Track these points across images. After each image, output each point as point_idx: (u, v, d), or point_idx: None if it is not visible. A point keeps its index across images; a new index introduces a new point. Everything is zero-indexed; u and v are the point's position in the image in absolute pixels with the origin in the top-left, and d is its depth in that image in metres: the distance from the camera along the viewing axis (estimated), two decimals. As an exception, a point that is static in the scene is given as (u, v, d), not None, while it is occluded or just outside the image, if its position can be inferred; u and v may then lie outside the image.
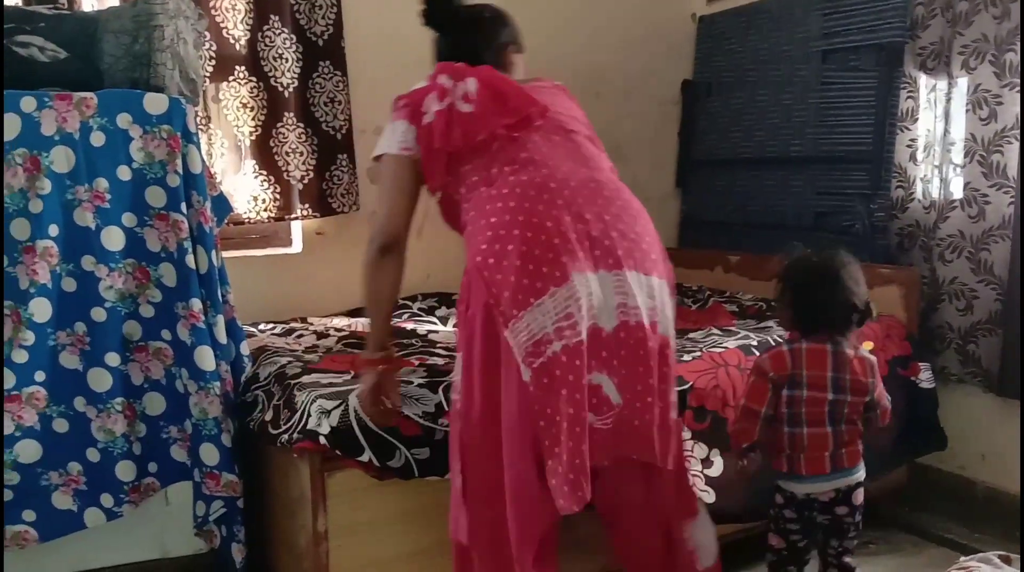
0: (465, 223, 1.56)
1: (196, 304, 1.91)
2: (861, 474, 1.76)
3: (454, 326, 2.65)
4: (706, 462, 1.98)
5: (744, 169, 3.23)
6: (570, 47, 3.27)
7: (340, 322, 2.66)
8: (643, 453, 1.48)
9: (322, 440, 1.72)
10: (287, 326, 2.59)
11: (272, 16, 2.65)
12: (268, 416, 1.91)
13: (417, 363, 2.07)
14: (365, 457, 1.73)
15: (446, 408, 1.80)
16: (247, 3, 2.61)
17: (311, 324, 2.63)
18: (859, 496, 1.75)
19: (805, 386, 1.70)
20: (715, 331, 2.42)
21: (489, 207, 1.47)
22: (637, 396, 1.45)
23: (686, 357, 2.08)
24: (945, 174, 2.51)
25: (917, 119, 2.60)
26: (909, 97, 2.60)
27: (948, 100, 2.49)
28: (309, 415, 1.76)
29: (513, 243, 1.40)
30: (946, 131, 2.50)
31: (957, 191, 2.49)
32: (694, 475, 1.90)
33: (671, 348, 1.50)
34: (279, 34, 2.66)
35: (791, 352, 1.72)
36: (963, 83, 2.46)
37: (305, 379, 1.93)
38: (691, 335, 2.39)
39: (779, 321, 1.91)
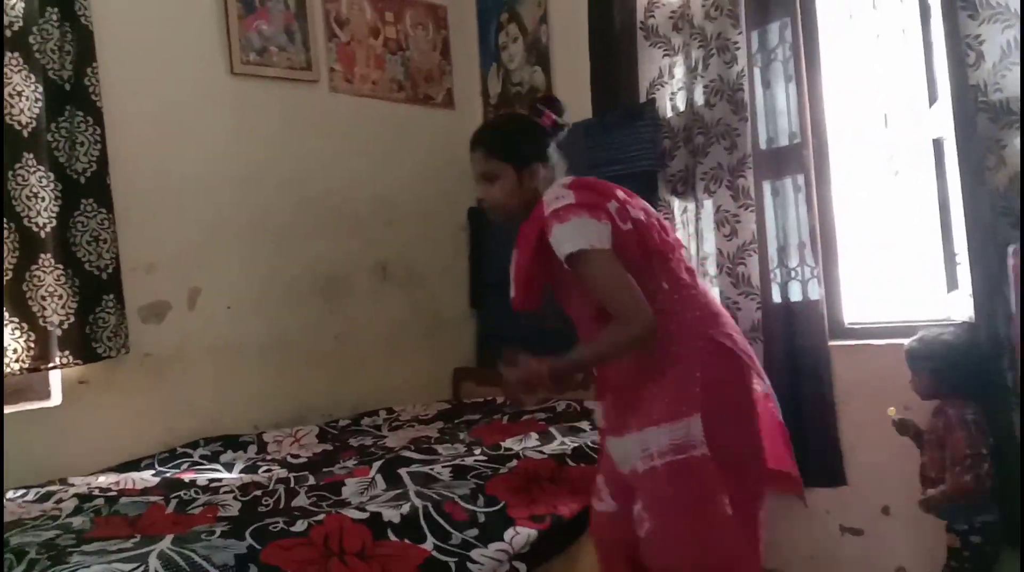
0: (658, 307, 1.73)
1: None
2: None
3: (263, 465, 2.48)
4: None
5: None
6: (364, 177, 3.35)
7: (106, 480, 2.40)
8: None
9: None
10: (42, 490, 2.30)
11: (25, 154, 2.49)
12: None
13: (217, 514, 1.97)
14: None
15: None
16: (-4, 142, 2.44)
17: (71, 485, 2.35)
18: None
19: None
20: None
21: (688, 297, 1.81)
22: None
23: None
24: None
25: (675, 237, 2.85)
26: (666, 217, 2.86)
27: (698, 219, 2.78)
28: None
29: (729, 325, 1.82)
30: (699, 247, 2.76)
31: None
32: None
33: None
34: (33, 172, 2.49)
35: None
36: (708, 204, 2.75)
37: (87, 548, 1.75)
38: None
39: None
